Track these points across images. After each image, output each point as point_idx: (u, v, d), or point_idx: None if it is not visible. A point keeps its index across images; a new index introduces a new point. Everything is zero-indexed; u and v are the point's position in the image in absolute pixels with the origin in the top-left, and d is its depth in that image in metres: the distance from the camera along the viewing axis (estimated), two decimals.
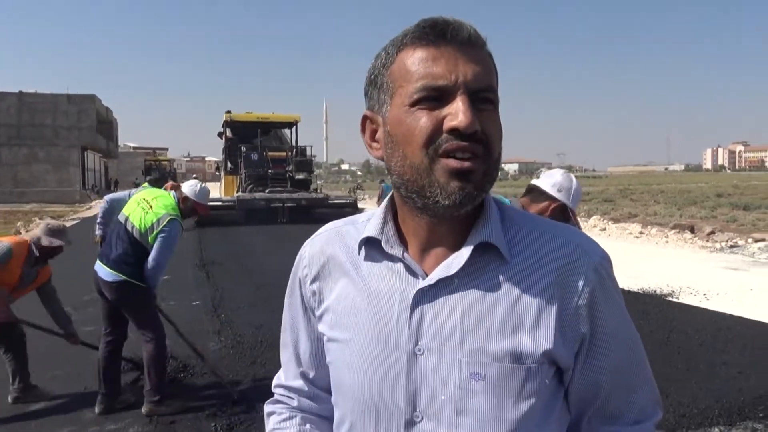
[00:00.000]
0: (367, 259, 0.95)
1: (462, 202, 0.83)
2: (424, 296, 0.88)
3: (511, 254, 0.88)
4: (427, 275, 0.89)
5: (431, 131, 0.82)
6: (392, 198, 0.96)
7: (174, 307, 6.84)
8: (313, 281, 1.00)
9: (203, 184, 4.57)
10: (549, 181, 2.77)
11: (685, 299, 7.89)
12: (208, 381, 4.77)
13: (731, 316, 6.83)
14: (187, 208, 4.40)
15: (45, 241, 4.39)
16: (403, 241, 0.93)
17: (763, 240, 13.42)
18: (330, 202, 20.85)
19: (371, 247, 0.95)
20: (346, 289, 0.96)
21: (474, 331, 0.86)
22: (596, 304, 0.88)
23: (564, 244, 0.89)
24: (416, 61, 0.84)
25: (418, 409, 0.88)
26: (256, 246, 14.05)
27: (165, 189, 4.76)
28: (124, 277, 4.06)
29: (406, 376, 0.88)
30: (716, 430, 3.92)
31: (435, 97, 0.82)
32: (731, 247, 13.28)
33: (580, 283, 0.87)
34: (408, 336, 0.88)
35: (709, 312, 7.09)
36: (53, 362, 5.20)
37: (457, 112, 0.80)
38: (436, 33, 0.84)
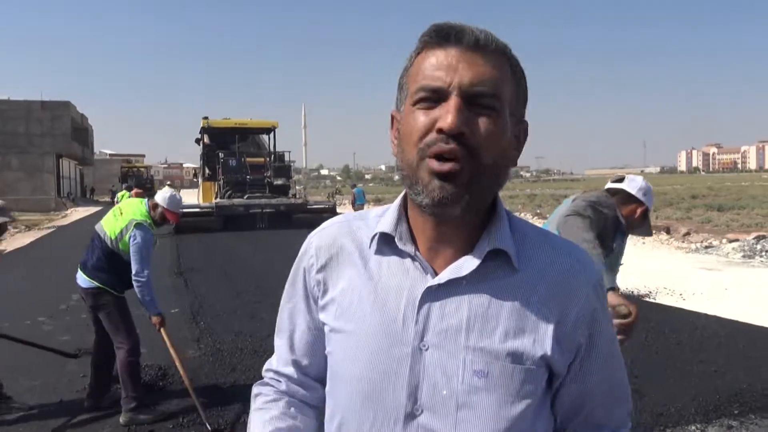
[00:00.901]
0: (377, 253, 0.97)
1: (441, 202, 0.84)
2: (433, 294, 0.90)
3: (521, 259, 0.92)
4: (437, 274, 0.91)
5: (424, 130, 0.85)
6: (405, 196, 0.97)
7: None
8: (319, 271, 1.02)
9: (175, 193, 4.59)
10: (634, 185, 2.95)
11: (662, 299, 8.01)
12: (185, 386, 4.72)
13: (707, 315, 6.94)
14: (157, 215, 4.42)
15: None
16: (413, 238, 0.95)
17: (736, 240, 13.67)
18: (309, 207, 20.81)
19: (383, 242, 0.96)
20: (354, 281, 0.97)
21: (479, 331, 0.89)
22: (594, 319, 0.93)
23: (566, 259, 0.94)
24: (423, 64, 0.87)
25: (419, 403, 0.89)
26: (236, 252, 13.95)
27: (131, 195, 4.77)
28: (98, 284, 4.16)
29: (409, 370, 0.90)
30: (693, 428, 3.98)
31: (433, 98, 0.85)
32: (706, 247, 13.50)
33: (581, 298, 0.92)
34: (414, 331, 0.90)
35: (685, 312, 7.20)
36: (29, 373, 5.11)
37: (446, 114, 0.82)
38: (441, 36, 0.87)
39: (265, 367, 1.16)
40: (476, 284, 0.90)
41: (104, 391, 4.40)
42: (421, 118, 0.85)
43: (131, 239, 4.15)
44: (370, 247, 0.97)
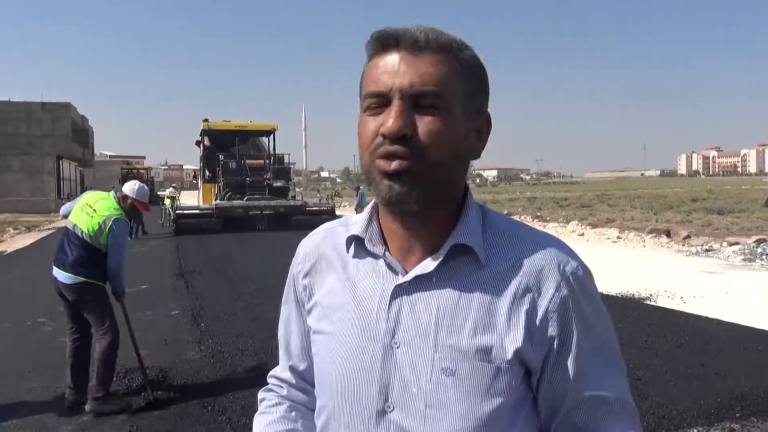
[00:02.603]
0: (354, 256, 1.00)
1: (391, 200, 0.88)
2: (403, 292, 0.92)
3: (489, 258, 0.91)
4: (407, 273, 0.93)
5: (372, 135, 0.88)
6: None
7: (153, 316, 6.77)
8: (305, 276, 1.06)
9: (141, 184, 4.87)
10: None
11: (663, 303, 8.00)
12: (187, 387, 4.73)
13: (708, 318, 6.94)
14: (127, 206, 4.66)
15: None
16: (384, 239, 0.97)
17: (737, 243, 13.67)
18: (308, 209, 20.87)
19: (358, 245, 0.99)
20: (334, 284, 1.01)
21: (447, 328, 0.89)
22: (567, 311, 0.89)
23: (541, 251, 0.92)
24: (369, 72, 0.91)
25: (390, 400, 0.91)
26: (235, 254, 13.96)
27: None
28: (82, 279, 4.35)
29: (381, 367, 0.92)
30: (695, 431, 3.98)
31: (380, 104, 0.88)
32: (707, 250, 13.50)
33: (551, 289, 0.89)
34: (386, 329, 0.92)
35: (686, 315, 7.20)
36: (29, 375, 5.11)
37: (387, 118, 0.85)
38: (381, 43, 0.89)
39: (270, 373, 1.19)
40: (445, 281, 0.91)
41: (84, 387, 4.48)
42: (370, 123, 0.88)
43: (110, 233, 4.37)
44: (348, 251, 1.00)
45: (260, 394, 1.17)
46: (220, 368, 5.31)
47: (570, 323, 0.89)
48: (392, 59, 0.87)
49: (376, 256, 0.97)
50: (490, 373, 0.88)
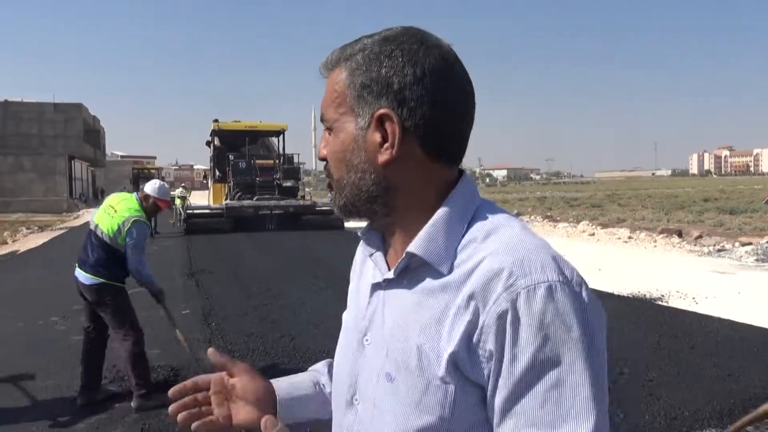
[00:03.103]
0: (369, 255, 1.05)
1: (339, 211, 0.95)
2: (380, 292, 0.94)
3: (454, 265, 0.86)
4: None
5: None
6: None
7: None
8: (352, 272, 1.11)
9: (162, 183, 4.96)
10: None
11: (675, 303, 7.95)
12: None
13: (720, 319, 6.89)
14: (150, 205, 4.74)
15: None
16: (383, 240, 1.00)
17: (749, 244, 13.56)
18: (317, 208, 20.91)
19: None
20: (355, 280, 1.07)
21: (398, 335, 0.88)
22: (502, 331, 0.78)
23: (501, 256, 0.82)
24: None
25: (356, 394, 0.95)
26: (245, 253, 14.00)
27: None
28: (102, 280, 4.42)
29: (354, 361, 0.96)
30: None
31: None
32: (719, 251, 13.41)
33: (492, 300, 0.79)
34: (363, 326, 0.95)
35: (698, 315, 7.15)
36: (42, 373, 5.15)
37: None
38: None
39: None
40: (409, 285, 0.90)
41: (96, 387, 4.55)
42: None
43: (129, 234, 4.44)
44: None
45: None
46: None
47: (502, 347, 0.78)
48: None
49: (369, 256, 1.01)
50: (421, 386, 0.83)
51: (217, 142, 24.01)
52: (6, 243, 18.46)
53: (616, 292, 8.50)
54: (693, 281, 9.54)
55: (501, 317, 0.78)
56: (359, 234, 1.03)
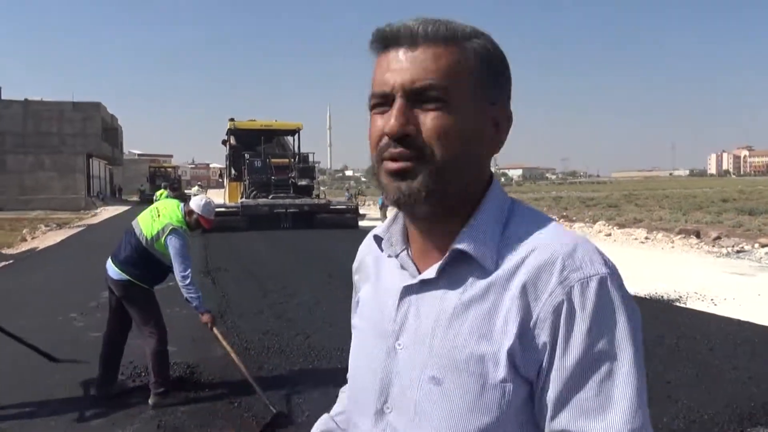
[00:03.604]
0: (388, 255, 1.00)
1: (398, 202, 0.85)
2: (411, 294, 0.91)
3: (499, 262, 0.85)
4: (420, 274, 0.91)
5: (379, 135, 0.86)
6: None
7: (180, 313, 6.83)
8: (355, 274, 1.10)
9: (208, 199, 4.85)
10: None
11: (693, 304, 7.86)
12: (214, 384, 4.78)
13: (739, 321, 6.80)
14: (192, 221, 4.69)
15: None
16: (407, 240, 0.96)
17: None
18: (332, 207, 20.99)
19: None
20: (369, 282, 1.03)
21: (442, 336, 0.85)
22: (556, 323, 0.79)
23: (550, 249, 0.83)
24: (375, 71, 0.88)
25: (388, 401, 0.90)
26: (261, 251, 14.06)
27: (169, 194, 4.97)
28: (128, 277, 4.42)
29: (384, 367, 0.91)
30: None
31: (385, 103, 0.86)
32: (738, 252, 13.24)
33: (546, 293, 0.80)
34: (392, 330, 0.91)
35: (717, 317, 7.06)
36: (59, 369, 5.20)
37: (389, 117, 0.83)
38: (382, 41, 0.87)
39: None
40: (449, 286, 0.87)
41: (112, 383, 4.61)
42: (377, 123, 0.86)
43: (168, 242, 4.42)
44: (382, 250, 1.00)
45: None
46: (246, 365, 5.34)
47: (556, 339, 0.79)
48: (393, 57, 0.85)
49: (395, 257, 0.96)
50: (476, 388, 0.82)
51: (232, 141, 24.17)
52: (25, 240, 18.69)
53: (633, 293, 8.36)
54: (711, 282, 9.42)
55: (557, 310, 0.80)
56: (379, 233, 0.99)
